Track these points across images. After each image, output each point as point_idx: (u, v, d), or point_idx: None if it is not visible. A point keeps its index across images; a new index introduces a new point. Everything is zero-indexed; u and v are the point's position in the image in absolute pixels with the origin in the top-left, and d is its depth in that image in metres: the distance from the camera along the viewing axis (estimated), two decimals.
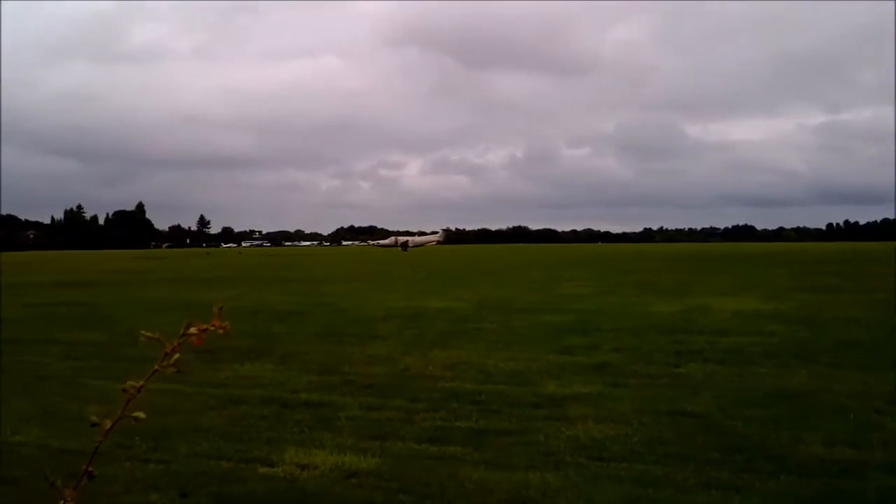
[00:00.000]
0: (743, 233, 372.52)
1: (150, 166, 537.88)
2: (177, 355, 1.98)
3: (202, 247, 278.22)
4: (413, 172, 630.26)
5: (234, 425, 11.06)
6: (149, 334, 1.98)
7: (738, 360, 15.92)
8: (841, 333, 19.57)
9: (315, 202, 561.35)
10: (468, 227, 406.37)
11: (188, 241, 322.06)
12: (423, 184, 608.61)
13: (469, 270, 65.25)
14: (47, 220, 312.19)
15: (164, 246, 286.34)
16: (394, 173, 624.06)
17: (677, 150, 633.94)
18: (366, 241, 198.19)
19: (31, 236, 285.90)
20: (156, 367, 2.00)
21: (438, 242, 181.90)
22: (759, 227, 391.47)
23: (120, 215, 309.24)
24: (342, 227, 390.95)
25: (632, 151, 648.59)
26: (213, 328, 1.95)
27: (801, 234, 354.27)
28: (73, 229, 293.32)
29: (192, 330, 1.96)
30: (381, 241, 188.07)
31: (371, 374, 14.76)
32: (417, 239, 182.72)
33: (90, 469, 2.02)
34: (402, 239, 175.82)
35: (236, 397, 12.89)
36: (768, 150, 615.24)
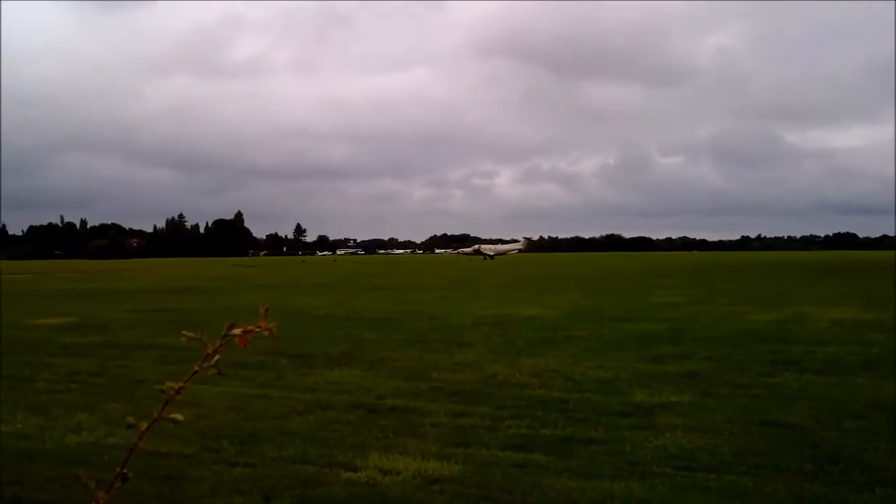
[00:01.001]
0: (844, 241, 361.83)
1: (250, 176, 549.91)
2: (217, 356, 1.96)
3: (298, 255, 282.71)
4: (505, 181, 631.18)
5: (320, 430, 11.16)
6: (190, 334, 1.97)
7: (835, 369, 15.43)
8: None
9: (408, 211, 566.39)
10: (561, 236, 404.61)
11: (284, 249, 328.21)
12: (515, 192, 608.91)
13: (560, 278, 64.81)
14: (150, 229, 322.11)
15: (261, 254, 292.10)
16: (486, 182, 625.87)
17: (775, 158, 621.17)
18: (457, 250, 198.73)
19: (135, 244, 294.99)
20: (196, 368, 1.98)
21: (520, 251, 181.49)
22: (861, 234, 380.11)
23: (219, 224, 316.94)
24: (435, 235, 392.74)
25: (728, 159, 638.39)
26: (258, 330, 1.92)
27: None
28: (175, 238, 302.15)
29: (236, 331, 1.93)
30: (464, 250, 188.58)
31: (458, 381, 14.74)
32: (500, 247, 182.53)
33: (125, 471, 2.01)
34: (485, 247, 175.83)
35: (324, 402, 13.01)
36: (869, 158, 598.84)
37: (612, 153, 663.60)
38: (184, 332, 1.98)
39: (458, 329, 23.68)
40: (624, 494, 8.28)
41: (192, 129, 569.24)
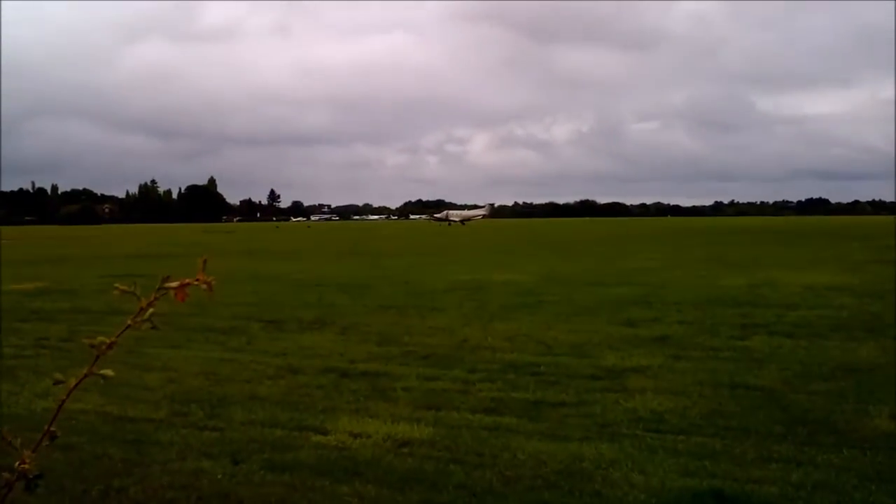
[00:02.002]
0: (817, 206, 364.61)
1: (224, 142, 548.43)
2: (152, 310, 1.87)
3: (272, 220, 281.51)
4: (480, 147, 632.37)
5: (290, 394, 11.11)
6: (123, 287, 1.88)
7: (805, 333, 15.52)
8: None
9: (383, 177, 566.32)
10: (536, 202, 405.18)
11: (258, 214, 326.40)
12: (490, 158, 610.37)
13: (534, 244, 64.91)
14: (122, 195, 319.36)
15: (234, 220, 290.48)
16: (461, 148, 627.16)
17: (748, 124, 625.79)
18: (432, 216, 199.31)
19: (107, 210, 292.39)
20: (129, 322, 1.89)
21: (484, 216, 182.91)
22: (833, 200, 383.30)
23: (192, 190, 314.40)
24: (410, 201, 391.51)
25: (702, 125, 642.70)
26: (196, 283, 1.82)
27: (877, 207, 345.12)
28: (147, 204, 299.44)
29: (173, 283, 1.84)
30: (436, 216, 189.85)
31: (430, 346, 14.71)
32: (465, 213, 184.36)
33: (53, 429, 1.92)
34: (452, 214, 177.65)
35: (295, 367, 12.95)
36: (841, 123, 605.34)
37: (586, 119, 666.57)
38: (116, 284, 1.89)
39: (432, 294, 23.65)
40: (593, 456, 8.29)
41: (166, 95, 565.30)
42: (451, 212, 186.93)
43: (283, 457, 8.40)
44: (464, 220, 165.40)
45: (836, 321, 16.98)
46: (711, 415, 9.79)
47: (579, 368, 12.56)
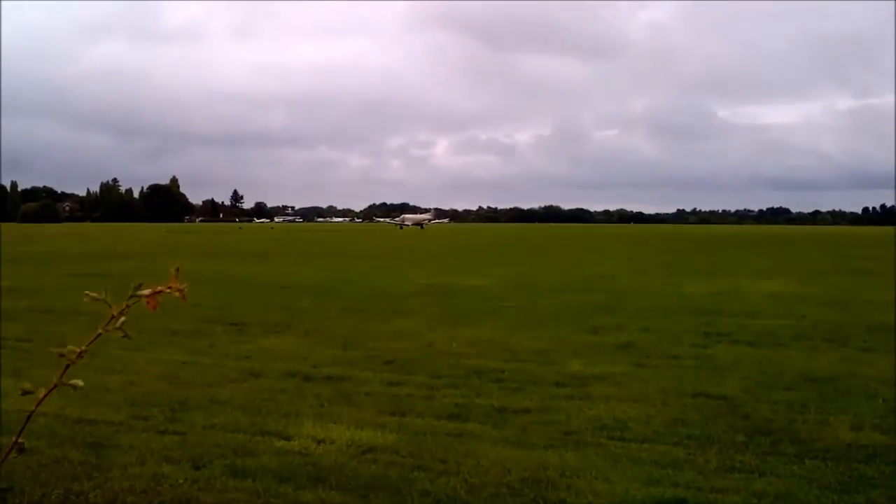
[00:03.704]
0: (778, 215, 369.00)
1: (186, 142, 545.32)
2: (123, 318, 1.83)
3: (234, 222, 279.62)
4: (442, 151, 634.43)
5: (252, 398, 10.98)
6: (94, 295, 1.84)
7: (767, 342, 15.67)
8: (873, 317, 19.26)
9: (347, 179, 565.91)
10: (500, 206, 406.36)
11: (221, 215, 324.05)
12: (453, 162, 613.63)
13: (499, 249, 65.04)
14: (83, 193, 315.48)
15: (197, 220, 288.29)
16: (424, 152, 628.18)
17: (708, 132, 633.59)
18: (395, 219, 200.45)
19: (67, 208, 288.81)
20: (99, 330, 1.85)
21: (429, 221, 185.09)
22: (794, 209, 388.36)
23: (154, 189, 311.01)
24: (374, 204, 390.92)
25: (662, 133, 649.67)
26: (168, 290, 1.79)
27: (837, 217, 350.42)
28: (109, 202, 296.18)
29: (145, 291, 1.80)
30: (396, 219, 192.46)
31: (394, 350, 14.64)
32: (416, 217, 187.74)
33: (20, 441, 1.88)
34: (407, 217, 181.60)
35: (258, 370, 12.83)
36: (800, 133, 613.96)
37: (547, 125, 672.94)
38: (86, 292, 1.84)
39: (396, 298, 23.59)
40: (557, 464, 8.28)
41: (128, 94, 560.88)
42: (406, 216, 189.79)
43: (245, 462, 8.29)
44: (418, 224, 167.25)
45: (798, 330, 17.16)
46: (674, 423, 9.83)
47: (544, 375, 12.55)
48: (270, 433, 9.35)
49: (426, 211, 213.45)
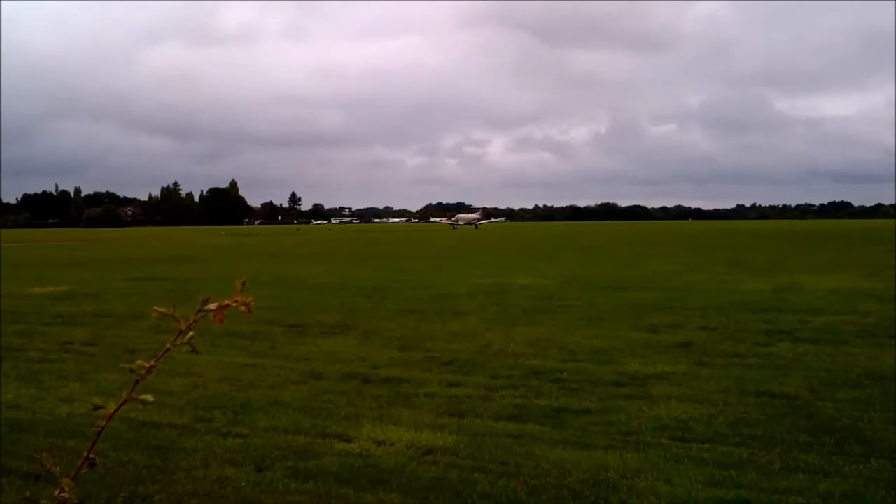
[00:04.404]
0: (839, 209, 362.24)
1: (245, 144, 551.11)
2: (191, 333, 1.86)
3: (293, 223, 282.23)
4: (498, 149, 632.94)
5: (313, 400, 11.10)
6: (162, 310, 1.87)
7: (830, 339, 15.37)
8: None
9: (403, 178, 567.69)
10: (556, 204, 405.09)
11: (279, 217, 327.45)
12: (508, 160, 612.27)
13: (556, 247, 64.77)
14: (145, 197, 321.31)
15: (256, 222, 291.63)
16: (479, 150, 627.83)
17: (765, 125, 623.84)
18: (452, 218, 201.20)
19: (129, 213, 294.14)
20: (168, 345, 1.88)
21: (479, 220, 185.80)
22: (856, 203, 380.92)
23: (214, 192, 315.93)
24: (430, 204, 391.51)
25: (718, 126, 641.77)
26: (234, 304, 1.81)
27: None
28: (169, 206, 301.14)
29: (212, 305, 1.83)
30: (439, 219, 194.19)
31: (452, 351, 14.67)
32: (467, 216, 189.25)
33: (91, 456, 1.91)
34: (461, 217, 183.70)
35: (317, 372, 12.95)
36: (859, 125, 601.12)
37: (602, 121, 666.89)
38: (155, 307, 1.88)
39: (453, 298, 23.60)
40: (618, 465, 8.23)
41: (186, 97, 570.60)
42: (460, 215, 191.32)
43: (306, 464, 8.38)
44: (471, 223, 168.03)
45: (862, 327, 16.80)
46: (737, 423, 9.71)
47: (602, 375, 12.48)
48: (331, 435, 9.44)
49: (476, 210, 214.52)
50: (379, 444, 9.10)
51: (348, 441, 9.22)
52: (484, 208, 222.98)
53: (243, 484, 7.86)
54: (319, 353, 14.81)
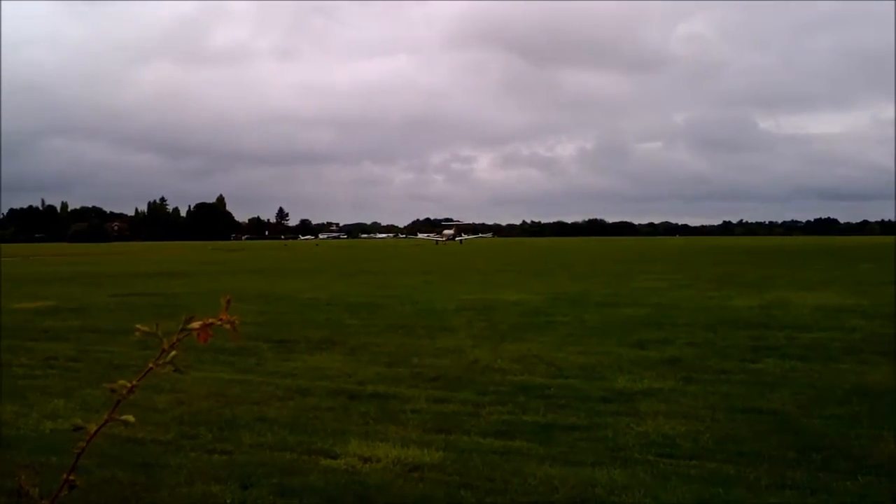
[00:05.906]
0: (826, 226, 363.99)
1: (233, 161, 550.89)
2: (174, 353, 1.83)
3: (280, 239, 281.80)
4: (485, 166, 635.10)
5: (299, 416, 11.03)
6: (145, 328, 1.84)
7: (818, 356, 15.39)
8: None
9: (391, 195, 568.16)
10: (544, 220, 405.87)
11: (266, 233, 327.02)
12: (496, 177, 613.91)
13: (543, 263, 64.81)
14: (131, 213, 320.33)
15: (243, 238, 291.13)
16: (467, 167, 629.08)
17: (752, 144, 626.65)
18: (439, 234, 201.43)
19: (116, 228, 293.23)
20: (150, 365, 1.85)
21: (453, 235, 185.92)
22: (842, 220, 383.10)
23: (201, 208, 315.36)
24: (418, 219, 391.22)
25: (706, 145, 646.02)
26: (218, 323, 1.79)
27: (887, 227, 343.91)
28: (156, 221, 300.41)
29: (195, 324, 1.80)
30: (424, 235, 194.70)
31: (439, 367, 14.63)
32: (446, 232, 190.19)
33: (71, 478, 1.88)
34: (446, 232, 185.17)
35: (304, 388, 12.88)
36: (846, 144, 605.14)
37: (589, 139, 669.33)
38: (137, 325, 1.85)
39: (441, 314, 23.56)
40: (606, 482, 8.20)
41: (176, 115, 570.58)
42: (445, 231, 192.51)
43: (292, 481, 8.32)
44: (450, 238, 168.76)
45: (849, 343, 16.84)
46: (724, 440, 9.70)
47: (590, 391, 12.46)
48: (317, 452, 9.38)
49: (452, 227, 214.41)
50: (365, 460, 9.04)
51: (334, 458, 9.16)
52: (459, 224, 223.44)
53: (228, 501, 7.79)
54: (306, 369, 14.74)
